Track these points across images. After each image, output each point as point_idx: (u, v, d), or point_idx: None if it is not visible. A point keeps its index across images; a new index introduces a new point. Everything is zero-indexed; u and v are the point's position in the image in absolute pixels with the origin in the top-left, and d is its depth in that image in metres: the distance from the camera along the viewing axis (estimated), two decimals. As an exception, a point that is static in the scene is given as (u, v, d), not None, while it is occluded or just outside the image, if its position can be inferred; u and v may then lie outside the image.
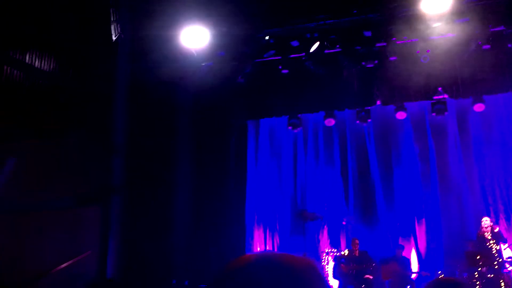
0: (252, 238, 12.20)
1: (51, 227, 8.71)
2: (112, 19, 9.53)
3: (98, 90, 9.54)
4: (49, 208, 8.43)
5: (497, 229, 10.02)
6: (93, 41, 9.50)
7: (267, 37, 10.65)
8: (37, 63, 9.03)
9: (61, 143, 9.16)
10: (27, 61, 8.83)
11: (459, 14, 9.40)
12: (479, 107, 10.96)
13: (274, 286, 1.15)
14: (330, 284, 10.66)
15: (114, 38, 9.68)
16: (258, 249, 12.16)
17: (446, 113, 11.29)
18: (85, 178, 9.23)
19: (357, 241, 10.80)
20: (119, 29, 9.69)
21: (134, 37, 9.74)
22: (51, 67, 9.28)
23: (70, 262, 6.89)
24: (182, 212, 11.05)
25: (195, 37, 10.07)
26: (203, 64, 10.79)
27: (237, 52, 10.65)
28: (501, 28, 9.77)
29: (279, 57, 10.93)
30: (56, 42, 9.22)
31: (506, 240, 10.03)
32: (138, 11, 9.65)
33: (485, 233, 9.99)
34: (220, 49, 10.61)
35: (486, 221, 10.10)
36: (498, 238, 9.94)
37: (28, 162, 8.09)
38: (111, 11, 9.51)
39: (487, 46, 9.91)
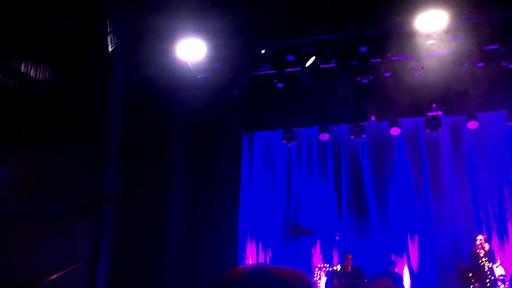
0: (244, 251, 12.15)
1: (43, 236, 8.64)
2: (108, 30, 9.55)
3: (93, 100, 9.53)
4: (41, 217, 8.37)
5: (487, 247, 10.04)
6: (90, 51, 9.50)
7: (263, 51, 10.69)
8: (32, 73, 9.03)
9: (55, 152, 9.12)
10: (22, 70, 8.83)
11: (453, 32, 9.48)
12: (472, 125, 11.03)
13: None
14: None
15: (110, 49, 9.69)
16: (251, 262, 12.11)
17: (440, 129, 11.35)
18: (79, 187, 9.18)
19: (350, 256, 10.78)
20: (115, 40, 9.71)
21: (130, 48, 9.76)
22: (47, 76, 9.27)
23: (61, 273, 6.82)
24: (176, 224, 10.99)
25: (191, 50, 10.10)
26: (199, 76, 10.81)
27: (233, 65, 10.68)
28: (495, 46, 9.87)
29: (275, 71, 10.98)
30: (53, 52, 9.22)
31: (495, 260, 10.05)
32: (135, 22, 9.67)
33: (479, 251, 10.01)
34: (216, 62, 10.64)
35: (480, 239, 10.12)
36: (490, 256, 9.96)
37: (22, 171, 8.04)
38: (108, 22, 9.53)
39: (481, 64, 10.00)
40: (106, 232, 9.35)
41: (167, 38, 9.85)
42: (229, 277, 1.23)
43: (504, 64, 9.98)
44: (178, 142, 11.34)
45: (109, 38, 9.54)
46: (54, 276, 6.67)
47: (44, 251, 8.46)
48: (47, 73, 9.28)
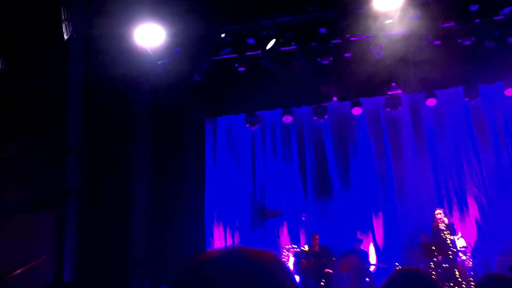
0: (212, 236, 12.16)
1: (3, 232, 8.42)
2: (63, 17, 9.28)
3: (51, 90, 9.28)
4: (1, 213, 8.16)
5: (446, 220, 10.33)
6: (44, 40, 9.23)
7: (223, 35, 10.61)
8: (-15, 64, 8.72)
9: (13, 145, 8.87)
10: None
11: (410, 11, 9.61)
12: (431, 102, 11.26)
13: (241, 279, 1.14)
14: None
15: (65, 37, 9.43)
16: (219, 246, 12.12)
17: (400, 107, 11.55)
18: (39, 180, 8.98)
19: (317, 236, 10.92)
20: (70, 27, 9.45)
21: (86, 35, 9.52)
22: (1, 68, 8.97)
23: (25, 267, 6.68)
24: (140, 211, 10.90)
25: (150, 35, 9.93)
26: (159, 62, 10.65)
27: (193, 50, 10.57)
28: (451, 24, 10.06)
29: (236, 55, 10.92)
30: (6, 42, 8.92)
31: (455, 232, 10.36)
32: (90, 8, 9.43)
33: (439, 224, 10.28)
34: (176, 47, 10.51)
35: (439, 213, 10.41)
36: (451, 229, 10.26)
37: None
38: (62, 9, 9.26)
39: (438, 42, 10.18)
40: (69, 225, 9.20)
41: (124, 23, 9.65)
42: (200, 260, 1.21)
43: (459, 41, 10.19)
44: (140, 130, 11.20)
45: (64, 26, 9.28)
46: (18, 271, 6.52)
47: (6, 247, 8.26)
48: (1, 64, 8.98)
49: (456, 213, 11.54)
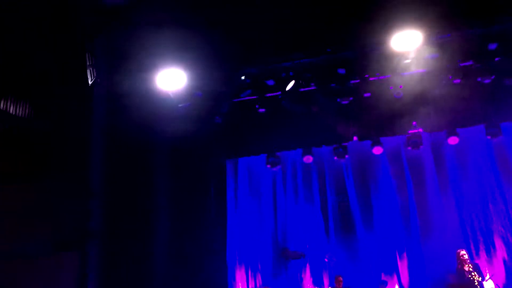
0: (234, 278, 12.01)
1: (25, 275, 8.45)
2: (88, 63, 9.54)
3: (74, 133, 9.45)
4: (23, 255, 8.21)
5: (468, 260, 10.04)
6: (68, 84, 9.47)
7: (243, 77, 10.77)
8: (11, 109, 8.95)
9: (37, 188, 9.00)
10: (1, 107, 8.75)
11: (429, 50, 9.68)
12: (453, 140, 11.18)
13: None
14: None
15: (90, 82, 9.67)
16: (241, 290, 11.98)
17: (421, 146, 11.47)
18: (62, 223, 9.04)
19: (340, 278, 10.72)
20: (95, 73, 9.70)
21: (110, 79, 9.75)
22: (27, 112, 9.20)
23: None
24: (162, 255, 10.85)
25: (171, 79, 10.12)
26: (180, 105, 10.82)
27: (214, 92, 10.73)
28: (470, 63, 10.08)
29: (256, 96, 11.04)
30: (32, 87, 9.17)
31: (482, 273, 10.08)
32: (114, 53, 9.69)
33: (465, 266, 10.03)
34: (197, 90, 10.68)
35: (463, 254, 10.16)
36: (477, 270, 10.00)
37: (1, 208, 7.91)
38: (87, 54, 9.53)
39: (458, 81, 10.18)
40: (91, 267, 9.19)
41: (146, 68, 9.88)
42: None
43: (479, 79, 10.18)
44: (161, 173, 11.27)
45: (88, 71, 9.52)
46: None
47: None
48: (26, 108, 9.21)
49: (483, 253, 11.26)
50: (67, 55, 9.52)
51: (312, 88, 10.81)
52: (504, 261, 11.08)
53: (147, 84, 10.09)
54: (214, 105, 10.90)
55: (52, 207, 9.01)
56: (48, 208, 8.97)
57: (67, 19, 9.47)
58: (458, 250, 10.30)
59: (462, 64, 10.06)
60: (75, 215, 9.28)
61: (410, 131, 11.24)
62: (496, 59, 9.90)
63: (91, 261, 9.22)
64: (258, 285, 12.08)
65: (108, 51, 9.83)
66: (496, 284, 10.21)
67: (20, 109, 9.09)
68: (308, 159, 11.97)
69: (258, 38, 9.79)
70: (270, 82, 10.85)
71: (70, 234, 9.19)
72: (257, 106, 11.07)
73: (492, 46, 9.76)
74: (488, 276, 10.29)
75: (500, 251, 11.16)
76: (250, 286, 12.07)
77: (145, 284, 10.18)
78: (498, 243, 11.22)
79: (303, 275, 12.01)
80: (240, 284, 12.06)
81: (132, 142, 10.26)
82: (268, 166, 12.15)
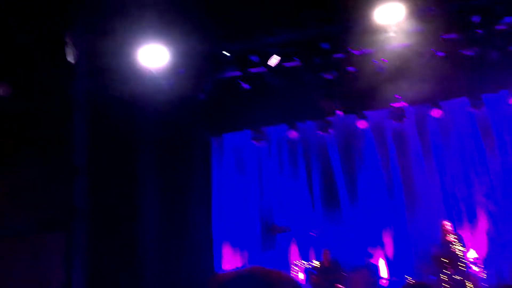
0: (220, 254, 12.08)
1: (11, 254, 8.42)
2: (67, 38, 9.37)
3: (56, 111, 9.33)
4: (7, 235, 8.15)
5: (451, 231, 10.21)
6: (48, 61, 9.31)
7: (226, 53, 10.67)
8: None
9: (20, 167, 8.91)
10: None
11: (411, 23, 9.66)
12: (436, 113, 11.26)
13: None
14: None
15: (70, 60, 9.51)
16: (227, 265, 12.06)
17: (405, 119, 11.54)
18: (47, 201, 8.98)
19: (327, 252, 10.85)
20: (74, 49, 9.53)
21: (90, 55, 9.59)
22: (5, 92, 9.05)
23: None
24: (149, 232, 10.86)
25: (153, 56, 10.00)
26: (163, 82, 10.71)
27: (197, 69, 10.63)
28: (453, 35, 10.09)
29: (240, 73, 10.97)
30: (11, 66, 9.00)
31: (465, 243, 10.27)
32: (94, 29, 9.51)
33: (448, 236, 10.20)
34: (180, 67, 10.57)
35: (446, 225, 10.32)
36: (460, 240, 10.17)
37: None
38: (67, 31, 9.35)
39: (441, 53, 10.21)
40: (78, 245, 9.17)
41: (128, 44, 9.73)
42: (218, 281, 1.20)
43: (462, 51, 10.22)
44: (146, 150, 11.21)
45: (68, 47, 9.36)
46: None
47: (14, 269, 8.25)
48: (4, 89, 9.06)
49: (466, 224, 11.46)
50: (46, 33, 9.33)
51: (296, 63, 10.75)
52: (487, 231, 11.29)
53: (129, 61, 9.96)
54: (198, 82, 10.82)
55: (36, 186, 8.94)
56: (31, 188, 8.89)
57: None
58: (443, 221, 10.47)
59: (445, 37, 10.06)
60: (59, 194, 9.22)
61: (393, 104, 11.28)
62: (479, 31, 9.91)
63: (77, 240, 9.20)
64: (245, 260, 12.18)
65: (88, 28, 9.66)
66: (479, 254, 10.40)
67: (0, 90, 8.94)
68: (293, 134, 11.98)
69: (241, 13, 9.69)
70: (254, 58, 10.77)
71: (55, 213, 9.15)
72: (241, 82, 11.01)
73: (475, 18, 9.77)
74: (471, 247, 10.49)
75: (483, 221, 11.36)
76: (237, 261, 12.17)
77: (132, 262, 10.21)
78: (481, 214, 11.42)
79: (290, 249, 12.13)
80: (226, 260, 12.14)
81: (116, 119, 10.16)
82: (253, 141, 12.15)
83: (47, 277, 8.55)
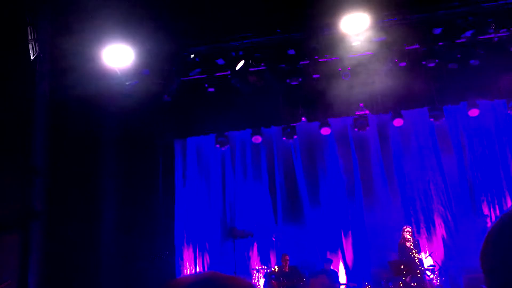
0: (182, 258, 12.00)
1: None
2: (29, 37, 9.15)
3: (16, 110, 9.09)
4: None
5: (410, 237, 10.40)
6: (9, 59, 9.06)
7: (192, 55, 10.62)
8: None
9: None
10: None
11: (376, 33, 9.83)
12: (398, 122, 11.47)
13: None
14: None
15: (32, 57, 9.29)
16: (188, 268, 11.98)
17: (367, 128, 11.72)
18: (3, 202, 8.73)
19: (287, 257, 10.89)
20: (37, 47, 9.32)
21: (53, 54, 9.39)
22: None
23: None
24: (108, 234, 10.69)
25: (118, 56, 9.87)
26: (128, 83, 10.57)
27: (162, 70, 10.53)
28: (416, 46, 10.32)
29: (205, 75, 10.93)
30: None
31: (421, 250, 10.48)
32: (58, 27, 9.33)
33: (406, 243, 10.39)
34: (145, 68, 10.46)
35: (407, 231, 10.51)
36: (417, 247, 10.38)
37: None
38: (28, 28, 9.14)
39: (403, 64, 10.42)
40: (34, 247, 8.94)
41: (92, 43, 9.58)
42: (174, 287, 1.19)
43: (424, 63, 10.45)
44: (108, 151, 11.04)
45: (30, 46, 9.14)
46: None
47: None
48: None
49: (423, 231, 11.71)
50: (7, 29, 9.09)
51: (262, 68, 10.78)
52: (443, 239, 11.57)
53: (93, 60, 9.80)
54: (163, 84, 10.71)
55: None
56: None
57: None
58: (404, 226, 10.66)
59: (408, 48, 10.28)
60: (17, 195, 8.98)
61: (357, 113, 11.44)
62: (440, 43, 10.17)
63: (33, 242, 8.98)
64: (205, 264, 12.12)
65: (52, 25, 9.46)
66: (435, 261, 10.63)
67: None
68: (257, 139, 12.00)
69: (208, 16, 9.67)
70: (220, 61, 10.75)
71: (12, 214, 8.90)
72: (206, 85, 10.97)
73: (437, 31, 10.02)
74: (428, 253, 10.72)
75: (440, 229, 11.64)
76: (197, 266, 12.10)
77: (91, 265, 10.02)
78: (438, 222, 11.70)
79: (250, 254, 12.14)
80: (187, 264, 12.07)
81: (78, 120, 9.98)
82: (217, 146, 12.12)
83: (2, 278, 8.30)
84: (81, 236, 9.84)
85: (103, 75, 10.10)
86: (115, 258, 10.65)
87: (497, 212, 11.33)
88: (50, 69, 9.47)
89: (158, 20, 9.54)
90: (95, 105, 10.27)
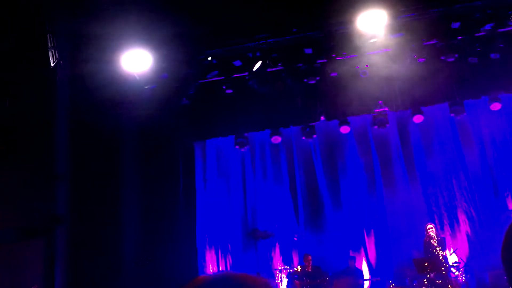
0: (204, 259, 12.06)
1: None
2: (49, 44, 9.29)
3: (38, 117, 9.24)
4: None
5: (435, 235, 10.28)
6: (30, 66, 9.22)
7: (209, 58, 10.67)
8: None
9: (0, 174, 8.79)
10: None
11: (393, 29, 9.76)
12: (418, 118, 11.37)
13: None
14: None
15: (52, 63, 9.43)
16: (211, 270, 12.03)
17: (387, 125, 11.63)
18: (27, 209, 8.87)
19: (309, 257, 10.86)
20: (57, 54, 9.46)
21: (73, 61, 9.53)
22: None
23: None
24: (130, 237, 10.79)
25: (136, 61, 9.96)
26: (146, 87, 10.67)
27: (180, 74, 10.60)
28: (434, 41, 10.21)
29: (223, 77, 10.97)
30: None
31: (446, 247, 10.36)
32: (77, 34, 9.45)
33: (431, 240, 10.28)
34: (163, 72, 10.54)
35: (430, 228, 10.40)
36: (442, 244, 10.26)
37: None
38: (48, 35, 9.28)
39: (422, 59, 10.31)
40: (58, 253, 9.07)
41: (111, 49, 9.69)
42: (193, 286, 1.21)
43: (443, 58, 10.33)
44: (128, 156, 11.15)
45: (50, 53, 9.28)
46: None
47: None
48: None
49: (447, 228, 11.57)
50: (28, 37, 9.25)
51: (279, 68, 10.78)
52: (468, 235, 11.42)
53: (112, 66, 9.91)
54: (181, 87, 10.79)
55: (18, 192, 8.83)
56: (13, 195, 8.79)
57: (27, 1, 9.18)
58: (427, 224, 10.55)
59: (426, 43, 10.18)
60: (41, 201, 9.12)
61: (376, 110, 11.36)
62: (459, 37, 10.05)
63: (58, 247, 9.11)
64: (228, 266, 12.15)
65: (71, 32, 9.59)
66: (459, 258, 10.51)
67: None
68: (276, 139, 12.00)
69: (224, 18, 9.70)
70: (237, 63, 10.78)
71: (37, 219, 9.04)
72: (224, 87, 11.00)
73: (455, 25, 9.90)
74: (452, 250, 10.60)
75: (464, 226, 11.49)
76: (220, 267, 12.14)
77: (114, 269, 10.12)
78: (462, 218, 11.55)
79: (272, 254, 12.13)
80: (210, 265, 12.12)
81: (98, 125, 10.09)
82: (237, 147, 12.15)
83: (28, 283, 8.44)
84: (104, 239, 9.95)
85: (123, 80, 10.21)
86: (138, 261, 10.73)
87: (522, 207, 11.15)
88: (70, 75, 9.60)
89: (175, 24, 9.60)
90: (115, 110, 10.38)
